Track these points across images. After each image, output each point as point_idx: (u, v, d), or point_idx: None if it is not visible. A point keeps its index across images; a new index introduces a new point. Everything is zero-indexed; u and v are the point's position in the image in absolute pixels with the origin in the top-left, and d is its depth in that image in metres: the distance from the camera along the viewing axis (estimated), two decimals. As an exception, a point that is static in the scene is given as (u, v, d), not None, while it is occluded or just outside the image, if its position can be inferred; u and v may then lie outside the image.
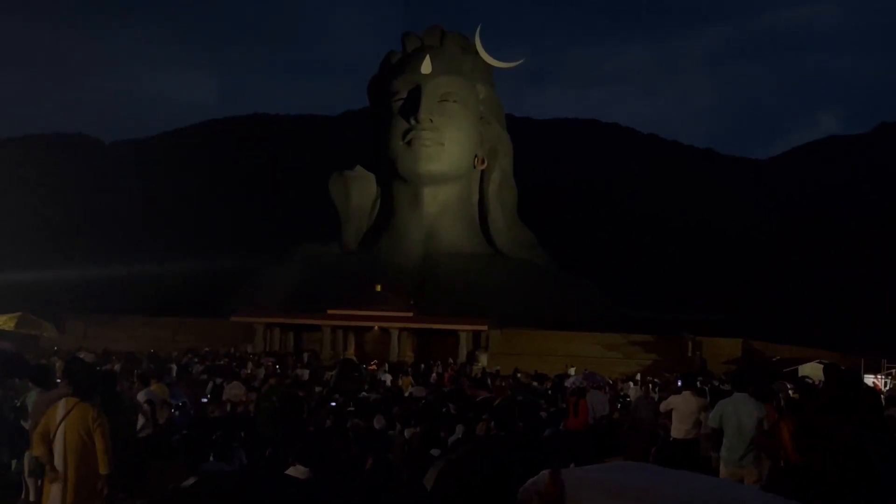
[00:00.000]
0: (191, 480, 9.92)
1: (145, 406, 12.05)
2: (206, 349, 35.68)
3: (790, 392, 20.85)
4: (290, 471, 9.77)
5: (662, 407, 13.23)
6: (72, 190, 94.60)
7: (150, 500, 9.82)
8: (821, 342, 42.25)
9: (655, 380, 27.43)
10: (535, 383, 24.40)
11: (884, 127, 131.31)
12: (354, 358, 36.12)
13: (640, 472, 3.83)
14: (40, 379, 11.66)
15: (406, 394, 20.20)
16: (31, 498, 9.71)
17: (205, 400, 15.65)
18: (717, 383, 23.08)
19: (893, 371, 32.82)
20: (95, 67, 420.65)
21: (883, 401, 14.79)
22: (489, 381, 25.25)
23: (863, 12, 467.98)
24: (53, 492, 6.71)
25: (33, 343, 30.31)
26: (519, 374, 29.34)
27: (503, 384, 24.18)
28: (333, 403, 16.63)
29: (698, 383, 17.66)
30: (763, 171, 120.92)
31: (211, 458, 11.64)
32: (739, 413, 9.40)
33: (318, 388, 20.01)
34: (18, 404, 10.78)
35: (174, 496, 9.68)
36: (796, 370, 32.08)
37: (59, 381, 10.66)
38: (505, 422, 13.75)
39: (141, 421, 12.23)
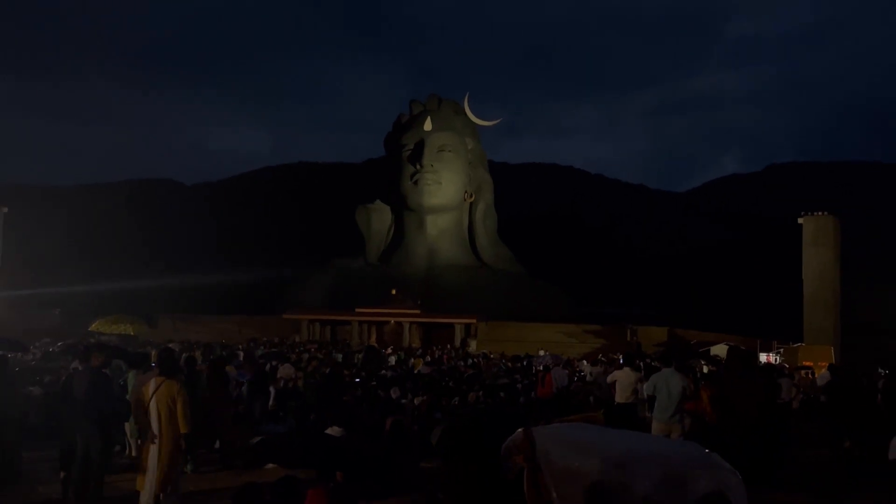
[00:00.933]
0: (256, 439, 9.92)
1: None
2: (265, 339, 35.56)
3: (704, 367, 20.83)
4: (329, 431, 9.77)
5: (609, 379, 13.20)
6: (160, 221, 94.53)
7: (225, 453, 9.79)
8: (727, 329, 42.22)
9: (603, 358, 27.31)
10: (509, 364, 24.38)
11: (773, 167, 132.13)
12: (376, 345, 36.05)
13: (590, 431, 3.86)
14: (138, 363, 11.63)
15: (416, 371, 20.16)
16: (133, 454, 9.68)
17: (263, 378, 15.51)
18: (649, 361, 22.99)
19: (782, 350, 32.82)
20: (178, 125, 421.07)
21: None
22: (477, 361, 25.23)
23: (759, 80, 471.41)
24: (152, 449, 6.71)
25: (133, 338, 30.12)
26: (492, 355, 29.28)
27: (487, 363, 24.16)
28: (358, 379, 16.57)
29: (636, 362, 17.65)
30: (682, 201, 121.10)
31: (268, 422, 11.63)
32: (668, 383, 9.37)
33: (349, 368, 19.93)
34: (122, 382, 10.77)
35: (244, 450, 9.68)
36: (708, 350, 31.99)
37: (153, 364, 10.63)
38: (490, 392, 13.76)
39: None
